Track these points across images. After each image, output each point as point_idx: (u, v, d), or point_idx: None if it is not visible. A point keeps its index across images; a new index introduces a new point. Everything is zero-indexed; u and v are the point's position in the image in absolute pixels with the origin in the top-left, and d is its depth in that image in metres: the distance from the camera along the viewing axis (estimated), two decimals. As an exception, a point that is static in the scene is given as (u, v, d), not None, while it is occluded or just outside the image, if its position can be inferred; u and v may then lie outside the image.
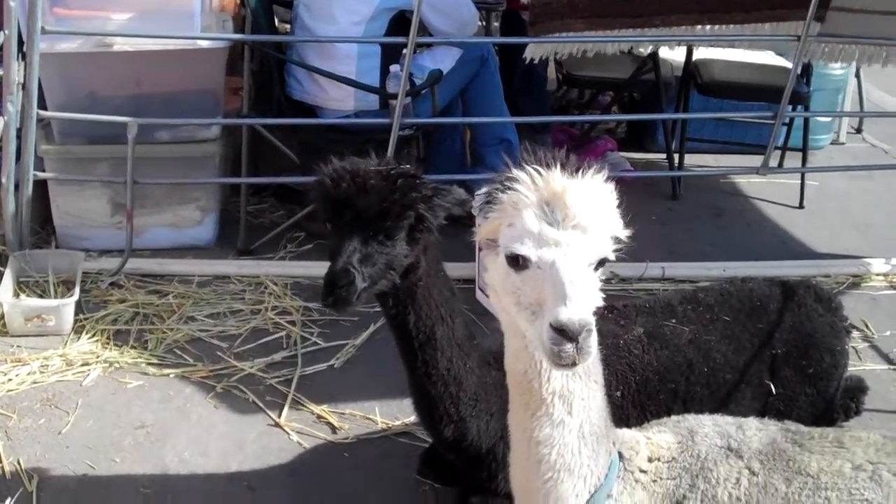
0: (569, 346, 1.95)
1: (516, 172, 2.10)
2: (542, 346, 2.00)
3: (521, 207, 2.06)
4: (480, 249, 2.29)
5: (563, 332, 1.94)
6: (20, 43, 4.71)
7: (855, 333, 4.80)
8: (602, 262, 2.07)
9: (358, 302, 2.79)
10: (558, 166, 2.07)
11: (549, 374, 2.16)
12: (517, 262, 2.06)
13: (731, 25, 5.38)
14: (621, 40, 5.33)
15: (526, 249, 2.04)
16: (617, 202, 2.13)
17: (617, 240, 2.09)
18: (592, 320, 1.96)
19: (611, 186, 2.12)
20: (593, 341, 1.97)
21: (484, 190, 2.18)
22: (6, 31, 4.63)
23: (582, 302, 1.96)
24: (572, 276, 1.98)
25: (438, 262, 3.02)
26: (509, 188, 2.09)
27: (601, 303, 2.08)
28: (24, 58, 4.74)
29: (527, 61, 5.38)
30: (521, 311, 2.08)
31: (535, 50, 5.33)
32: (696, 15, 5.30)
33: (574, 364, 1.98)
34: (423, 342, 2.96)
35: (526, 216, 2.04)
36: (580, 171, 2.08)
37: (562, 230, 2.02)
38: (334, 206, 2.80)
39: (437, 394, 3.03)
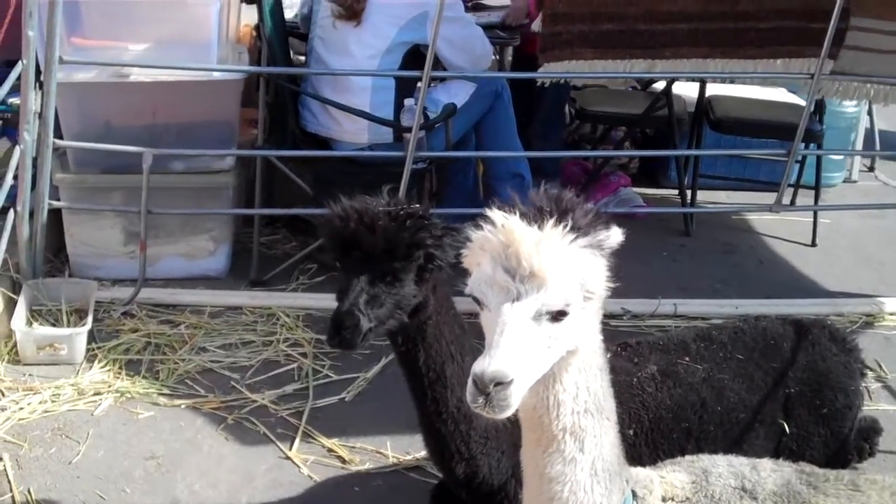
0: (480, 398, 1.93)
1: (490, 214, 2.07)
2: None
3: (486, 250, 2.04)
4: None
5: (476, 383, 1.92)
6: (38, 72, 4.74)
7: (868, 373, 4.76)
8: (562, 314, 1.99)
9: (364, 342, 2.79)
10: (519, 213, 2.04)
11: (558, 411, 2.13)
12: (479, 302, 2.06)
13: (743, 60, 5.40)
14: (632, 76, 5.30)
15: (478, 292, 2.04)
16: (607, 253, 2.08)
17: (589, 292, 2.03)
18: (511, 374, 1.90)
19: (585, 239, 2.04)
20: (510, 396, 1.93)
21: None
22: (24, 61, 4.66)
23: (506, 355, 1.91)
24: (508, 327, 1.94)
25: (448, 300, 3.01)
26: (480, 229, 2.08)
27: (554, 356, 2.02)
28: (41, 87, 4.77)
29: (537, 84, 5.37)
30: None
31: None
32: (706, 48, 5.31)
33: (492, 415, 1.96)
34: (433, 380, 2.95)
35: (484, 260, 2.04)
36: (554, 219, 2.01)
37: (516, 278, 1.98)
38: (342, 246, 2.80)
39: (447, 431, 3.01)
